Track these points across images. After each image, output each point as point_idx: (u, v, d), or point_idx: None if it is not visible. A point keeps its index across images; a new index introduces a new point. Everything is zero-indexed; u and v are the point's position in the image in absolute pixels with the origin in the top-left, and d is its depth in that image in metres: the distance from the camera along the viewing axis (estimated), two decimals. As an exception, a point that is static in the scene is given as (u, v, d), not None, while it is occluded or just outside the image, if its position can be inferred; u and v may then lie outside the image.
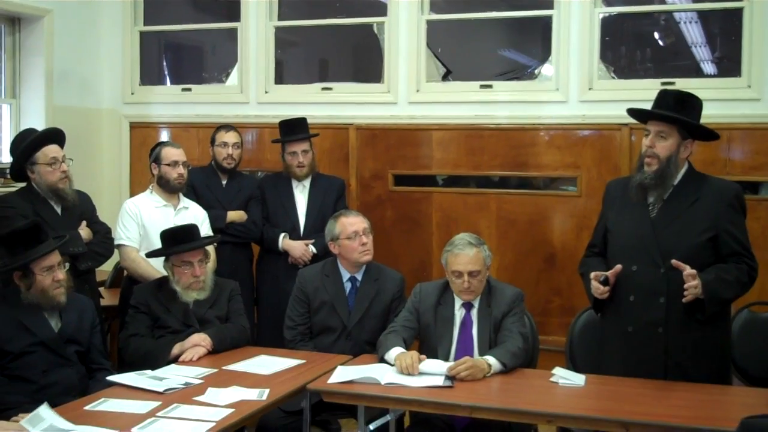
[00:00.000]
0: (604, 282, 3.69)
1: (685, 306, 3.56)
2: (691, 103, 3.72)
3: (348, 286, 4.51)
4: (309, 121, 5.60)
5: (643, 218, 3.72)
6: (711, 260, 3.59)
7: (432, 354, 3.99)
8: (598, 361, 3.95)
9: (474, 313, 4.08)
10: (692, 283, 3.46)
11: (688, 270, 3.47)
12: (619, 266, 3.68)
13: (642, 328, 3.67)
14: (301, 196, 5.49)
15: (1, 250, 3.83)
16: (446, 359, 3.97)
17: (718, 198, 3.66)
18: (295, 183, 5.50)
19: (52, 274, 3.77)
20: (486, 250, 4.09)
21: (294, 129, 5.48)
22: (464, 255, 4.02)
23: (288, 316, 4.54)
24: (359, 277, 4.52)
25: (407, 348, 3.97)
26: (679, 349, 3.63)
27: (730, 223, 3.64)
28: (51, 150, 4.56)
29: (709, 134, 3.78)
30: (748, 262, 3.63)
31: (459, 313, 4.09)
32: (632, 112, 3.84)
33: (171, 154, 4.99)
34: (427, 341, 4.11)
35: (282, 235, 5.37)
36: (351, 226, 4.48)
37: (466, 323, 4.07)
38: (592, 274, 3.73)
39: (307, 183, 5.50)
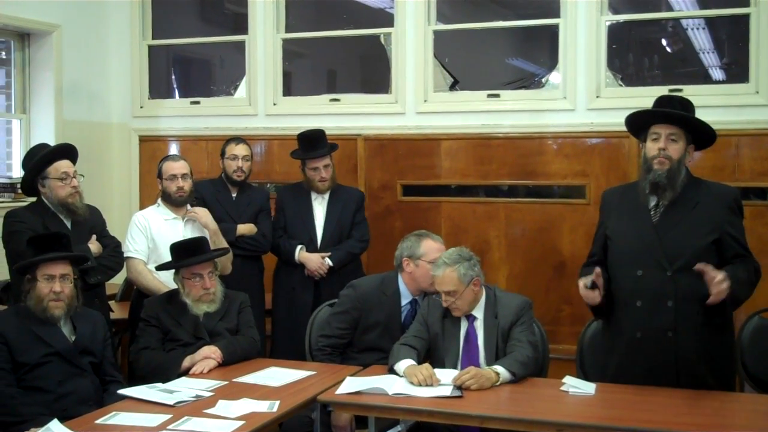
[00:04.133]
0: (592, 287, 3.69)
1: (694, 309, 3.56)
2: (693, 109, 3.77)
3: (407, 309, 4.39)
4: (317, 132, 5.61)
5: (645, 223, 3.72)
6: (715, 262, 3.57)
7: (440, 366, 3.98)
8: (603, 370, 3.93)
9: (478, 324, 4.06)
10: (723, 287, 3.40)
11: (711, 271, 3.43)
12: (599, 269, 3.67)
13: (651, 333, 3.65)
14: (319, 208, 5.48)
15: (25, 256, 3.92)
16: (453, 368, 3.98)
17: (719, 202, 3.69)
18: (314, 195, 5.49)
19: (51, 284, 3.80)
20: (463, 268, 3.99)
21: (315, 144, 5.44)
22: (437, 276, 4.04)
23: (328, 323, 4.43)
24: (421, 301, 4.38)
25: (420, 358, 3.97)
26: (690, 353, 3.61)
27: (731, 225, 3.67)
28: (62, 165, 4.59)
29: (708, 141, 3.82)
30: (753, 262, 3.66)
31: (463, 326, 4.08)
32: (646, 113, 3.80)
33: (169, 168, 5.02)
34: (435, 352, 4.11)
35: (299, 247, 5.36)
36: (437, 252, 4.26)
37: (469, 335, 4.06)
38: (580, 282, 3.73)
39: (326, 195, 5.50)
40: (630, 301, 3.70)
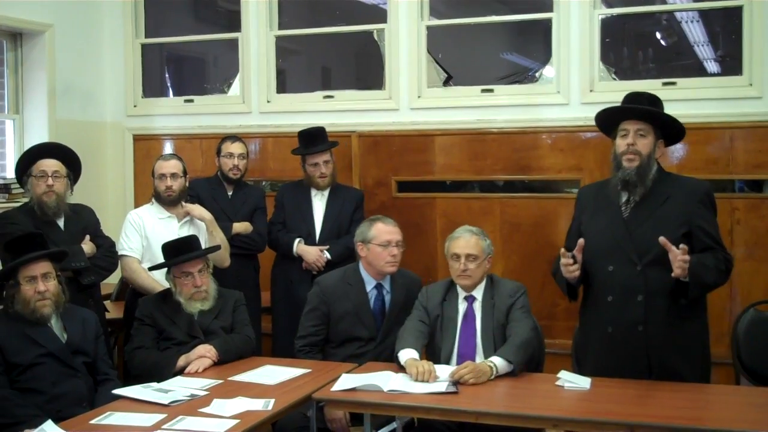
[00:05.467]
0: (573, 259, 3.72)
1: (664, 303, 3.61)
2: (661, 104, 3.82)
3: (373, 294, 4.46)
4: (311, 129, 5.61)
5: (616, 219, 3.76)
6: None
7: (436, 350, 4.05)
8: (581, 365, 3.97)
9: (477, 305, 4.13)
10: (683, 257, 3.45)
11: (674, 248, 3.48)
12: (582, 240, 3.72)
13: (622, 327, 3.69)
14: (319, 204, 5.49)
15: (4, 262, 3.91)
16: (449, 355, 4.04)
17: (689, 196, 3.71)
18: (314, 191, 5.50)
19: (34, 285, 3.78)
20: (487, 240, 4.21)
21: (315, 140, 5.47)
22: (462, 239, 4.17)
23: (301, 324, 4.50)
24: (386, 285, 4.49)
25: (425, 341, 4.06)
26: (660, 346, 3.65)
27: (702, 219, 3.68)
28: (43, 164, 4.62)
29: (678, 135, 3.86)
30: (723, 254, 3.67)
31: (462, 307, 4.14)
32: (613, 110, 3.84)
33: (159, 167, 5.03)
34: (432, 338, 4.15)
35: (297, 240, 5.36)
36: (386, 234, 4.44)
37: (468, 316, 4.12)
38: (561, 250, 3.75)
39: (326, 192, 5.51)
40: (601, 296, 3.75)
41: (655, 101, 3.81)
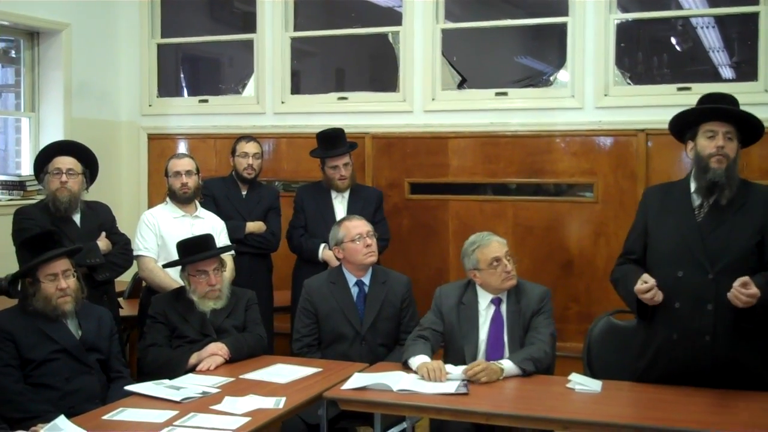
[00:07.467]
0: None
1: (734, 314, 3.43)
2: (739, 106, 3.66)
3: (355, 290, 4.51)
4: (326, 131, 5.62)
5: (689, 223, 3.59)
6: (757, 266, 3.49)
7: (459, 354, 4.03)
8: (619, 368, 3.88)
9: (503, 309, 4.11)
10: (750, 292, 3.31)
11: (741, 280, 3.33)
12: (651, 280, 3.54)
13: (688, 336, 3.53)
14: (340, 206, 5.49)
15: (21, 259, 3.92)
16: (474, 356, 4.01)
17: (764, 203, 3.57)
18: (334, 194, 5.51)
19: (56, 283, 3.79)
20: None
21: (335, 142, 5.47)
22: (494, 241, 4.15)
23: (294, 328, 4.56)
24: (366, 281, 4.54)
25: (435, 349, 4.03)
26: (726, 358, 3.50)
27: None
28: (58, 161, 4.67)
29: (752, 140, 3.70)
30: None
31: (488, 311, 4.12)
32: (704, 111, 3.65)
33: (173, 165, 5.08)
34: (453, 342, 4.13)
35: (322, 246, 5.33)
36: (355, 229, 4.51)
37: (496, 320, 4.10)
38: (643, 278, 3.55)
39: (346, 194, 5.52)
40: (668, 301, 3.56)
41: (736, 103, 3.64)
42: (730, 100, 3.66)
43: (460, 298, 4.17)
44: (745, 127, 3.63)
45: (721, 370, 3.52)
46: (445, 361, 3.94)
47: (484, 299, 4.14)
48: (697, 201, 3.63)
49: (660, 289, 3.55)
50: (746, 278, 3.34)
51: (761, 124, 3.64)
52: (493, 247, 4.12)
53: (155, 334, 4.28)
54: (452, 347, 4.13)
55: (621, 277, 3.76)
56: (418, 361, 3.85)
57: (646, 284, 3.52)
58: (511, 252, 4.19)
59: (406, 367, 3.90)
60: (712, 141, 3.57)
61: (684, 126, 3.72)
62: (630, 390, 3.61)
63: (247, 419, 3.25)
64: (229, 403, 3.45)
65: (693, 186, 3.65)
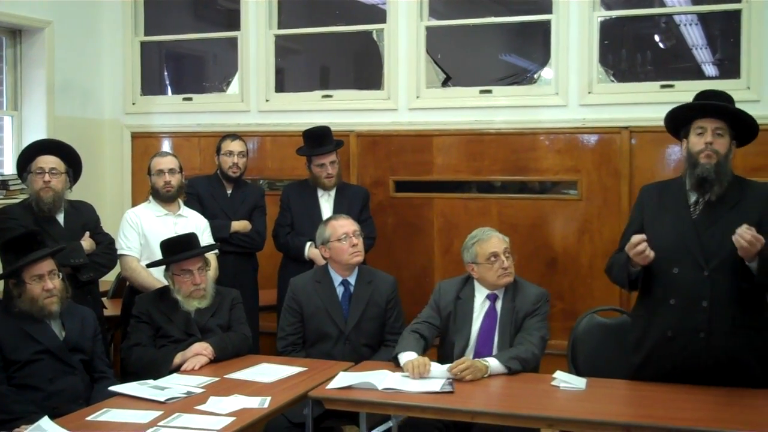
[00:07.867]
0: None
1: (729, 311, 3.46)
2: (734, 103, 3.66)
3: (341, 290, 4.51)
4: (310, 129, 5.61)
5: (684, 220, 3.61)
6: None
7: (448, 346, 4.06)
8: (604, 365, 3.91)
9: (499, 305, 4.13)
10: (755, 233, 3.28)
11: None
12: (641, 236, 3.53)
13: (682, 333, 3.54)
14: (326, 204, 5.48)
15: (4, 260, 3.89)
16: (463, 351, 4.04)
17: (761, 200, 3.58)
18: (320, 192, 5.50)
19: (41, 283, 3.79)
20: None
21: (321, 140, 5.47)
22: (494, 237, 4.19)
23: (279, 326, 4.56)
24: (352, 280, 4.53)
25: (428, 344, 4.06)
26: (721, 356, 3.51)
27: None
28: (41, 160, 4.65)
29: (748, 137, 3.69)
30: None
31: (483, 306, 4.14)
32: (693, 106, 3.66)
33: (157, 163, 5.06)
34: (446, 335, 4.16)
35: (308, 243, 5.33)
36: (341, 228, 4.49)
37: (490, 315, 4.12)
38: (637, 237, 3.52)
39: (332, 192, 5.51)
40: (663, 298, 3.59)
41: (730, 100, 3.65)
42: (725, 97, 3.66)
43: (458, 293, 4.20)
44: (739, 125, 3.63)
45: (715, 367, 3.53)
46: (439, 354, 3.95)
47: (481, 294, 4.17)
48: (692, 198, 3.64)
49: (656, 285, 3.59)
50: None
51: (754, 121, 3.64)
52: (492, 242, 4.15)
53: (139, 334, 4.26)
54: (446, 339, 4.17)
55: (615, 261, 3.79)
56: (405, 357, 3.86)
57: (638, 236, 3.52)
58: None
59: (396, 362, 3.91)
60: (702, 137, 3.59)
61: (678, 124, 3.73)
62: (615, 387, 3.63)
63: (232, 419, 3.25)
64: (214, 403, 3.44)
65: (688, 183, 3.66)
